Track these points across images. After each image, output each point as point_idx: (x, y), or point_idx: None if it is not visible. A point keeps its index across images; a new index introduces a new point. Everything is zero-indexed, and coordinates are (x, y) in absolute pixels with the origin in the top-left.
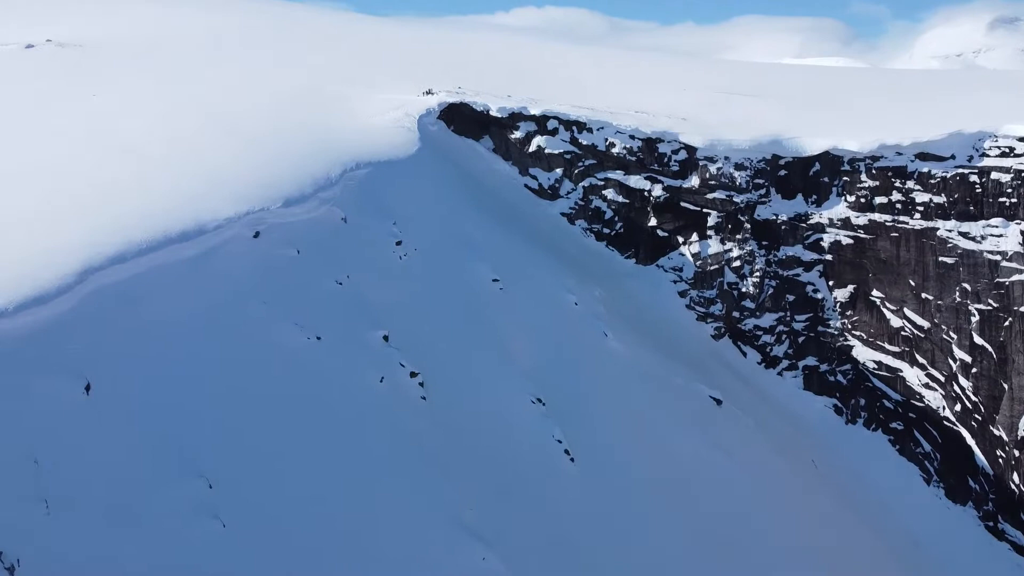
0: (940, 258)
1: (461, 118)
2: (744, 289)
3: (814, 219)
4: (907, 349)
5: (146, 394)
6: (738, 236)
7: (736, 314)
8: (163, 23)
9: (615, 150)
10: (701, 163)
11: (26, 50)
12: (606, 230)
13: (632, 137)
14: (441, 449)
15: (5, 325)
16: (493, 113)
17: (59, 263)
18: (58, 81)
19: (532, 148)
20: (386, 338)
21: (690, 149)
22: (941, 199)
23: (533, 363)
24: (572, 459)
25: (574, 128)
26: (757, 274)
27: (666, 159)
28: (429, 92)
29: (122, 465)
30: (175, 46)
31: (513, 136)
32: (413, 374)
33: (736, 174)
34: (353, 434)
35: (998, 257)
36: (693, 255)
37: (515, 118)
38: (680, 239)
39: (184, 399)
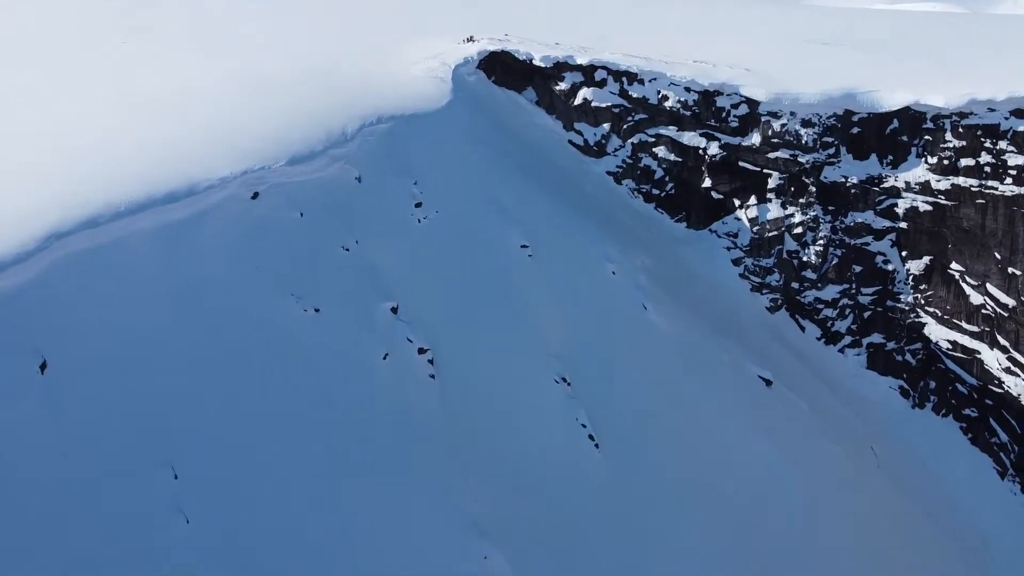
0: None
1: (503, 68)
2: (806, 258)
3: (889, 182)
4: (987, 329)
5: (110, 374)
6: (801, 200)
7: (795, 285)
8: None
9: (668, 103)
10: (764, 119)
11: None
12: (656, 191)
13: (688, 90)
14: (448, 433)
15: None
16: (536, 62)
17: (21, 227)
18: (96, 27)
19: (578, 101)
20: (395, 310)
21: (752, 103)
22: None
23: (560, 339)
24: (597, 445)
25: (624, 79)
26: (821, 242)
27: (725, 114)
28: (470, 39)
29: (78, 453)
30: None
31: (558, 88)
32: (422, 350)
33: (802, 131)
34: (349, 416)
35: None
36: (750, 220)
37: (560, 68)
38: (737, 202)
39: (154, 379)
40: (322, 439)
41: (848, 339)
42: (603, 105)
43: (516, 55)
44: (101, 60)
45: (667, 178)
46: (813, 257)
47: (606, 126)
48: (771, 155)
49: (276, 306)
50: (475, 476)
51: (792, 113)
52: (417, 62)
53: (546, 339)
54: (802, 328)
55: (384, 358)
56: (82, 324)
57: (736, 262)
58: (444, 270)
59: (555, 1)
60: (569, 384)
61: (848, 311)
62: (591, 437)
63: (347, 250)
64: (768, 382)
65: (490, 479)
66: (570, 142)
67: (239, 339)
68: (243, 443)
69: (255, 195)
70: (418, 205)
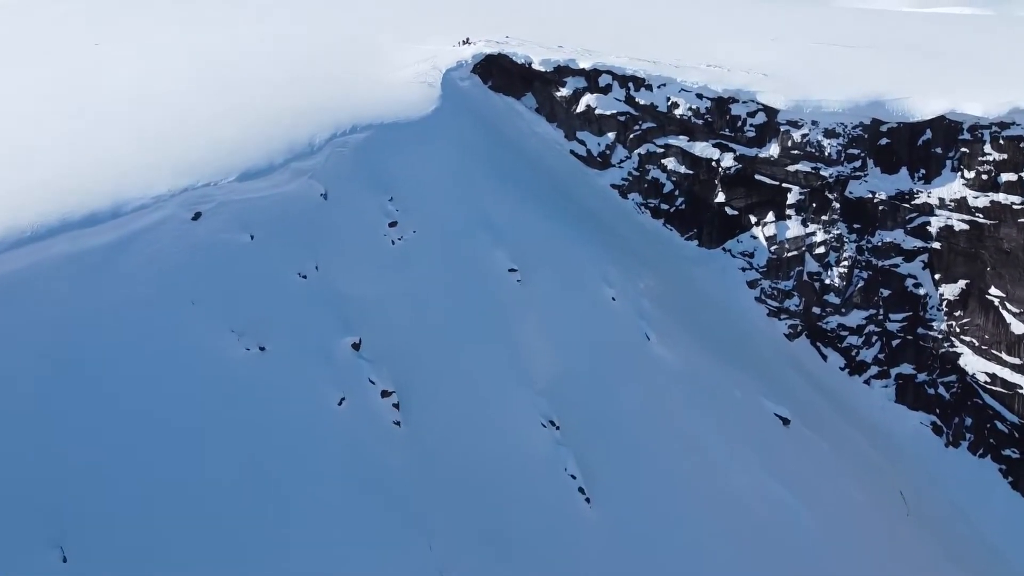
0: None
1: (500, 72)
2: (828, 281)
3: (920, 199)
4: None
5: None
6: (824, 217)
7: (817, 310)
8: None
9: (678, 111)
10: (783, 128)
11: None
12: (664, 206)
13: (700, 96)
14: (414, 492)
15: None
16: (536, 66)
17: None
18: (73, 27)
19: (580, 108)
20: (356, 346)
21: (770, 111)
22: None
23: (549, 375)
24: (588, 500)
25: (630, 85)
26: (845, 263)
27: (740, 123)
28: (466, 42)
29: None
30: None
31: (559, 94)
32: (386, 393)
33: (825, 142)
34: (292, 475)
35: None
36: (768, 238)
37: (561, 72)
38: (753, 219)
39: (46, 444)
40: (257, 503)
41: (875, 370)
42: (608, 113)
43: (514, 58)
44: (64, 63)
45: (677, 192)
46: (837, 280)
47: (611, 135)
48: (791, 168)
49: (214, 343)
50: (445, 543)
51: (814, 122)
52: (406, 66)
53: (533, 376)
54: (824, 357)
55: (340, 403)
56: None
57: (752, 284)
58: (418, 299)
59: (560, 1)
60: (558, 428)
61: (875, 339)
62: (581, 490)
63: (304, 277)
64: (785, 421)
65: (463, 547)
66: (572, 152)
67: (158, 388)
68: (160, 516)
69: (196, 215)
70: (392, 224)
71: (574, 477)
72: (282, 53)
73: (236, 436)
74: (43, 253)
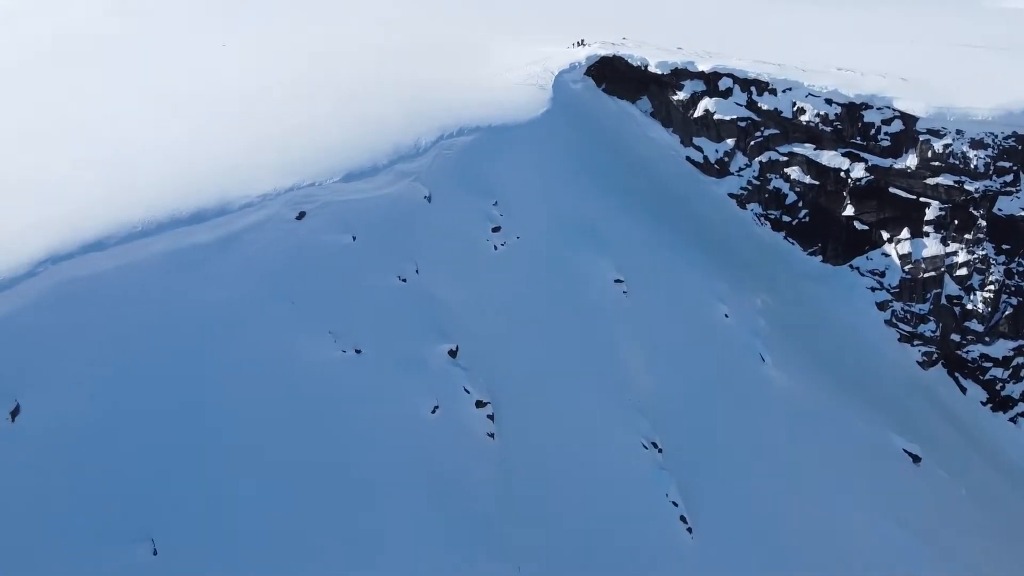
0: None
1: (614, 74)
2: (971, 306)
3: None
4: None
5: (92, 430)
6: (967, 235)
7: (956, 337)
8: None
9: (805, 117)
10: (922, 138)
11: None
12: (786, 218)
13: (829, 102)
14: (506, 507)
15: None
16: (652, 69)
17: (13, 247)
18: (206, 28)
19: (698, 112)
20: (453, 353)
21: (908, 119)
22: None
23: (653, 394)
24: (690, 530)
25: (753, 89)
26: (991, 287)
27: (873, 131)
28: (581, 43)
29: (43, 518)
30: None
31: (675, 97)
32: (481, 403)
33: (971, 154)
34: (385, 483)
35: None
36: (901, 256)
37: (679, 75)
38: (885, 235)
39: (145, 438)
40: (343, 511)
41: (1023, 407)
42: (727, 118)
43: (629, 60)
44: (191, 64)
45: (800, 203)
46: (980, 305)
47: (730, 142)
48: (930, 181)
49: (310, 345)
50: (533, 566)
51: (958, 132)
52: (517, 67)
53: (636, 394)
54: (963, 390)
55: (433, 411)
56: (68, 367)
57: (882, 306)
58: (518, 307)
59: (682, 2)
60: (660, 451)
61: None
62: (683, 519)
63: (403, 281)
64: (916, 458)
65: (553, 572)
66: (687, 159)
67: (255, 386)
68: (247, 513)
69: (300, 215)
70: (495, 229)
71: (676, 504)
72: (392, 54)
73: (326, 439)
74: (148, 249)
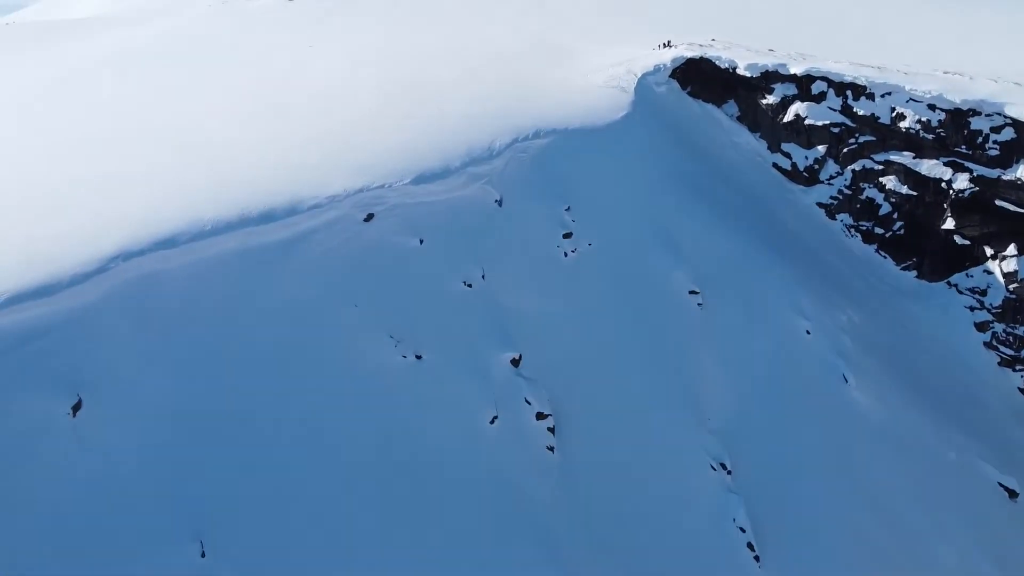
0: None
1: (700, 77)
2: None
3: None
4: None
5: (153, 423)
6: None
7: None
8: None
9: (904, 124)
10: None
11: (289, 3)
12: (879, 230)
13: (932, 107)
14: (565, 524)
15: None
16: (740, 71)
17: (86, 241)
18: (295, 28)
19: (788, 117)
20: (516, 362)
21: (1021, 127)
22: None
23: (725, 412)
24: (758, 559)
25: (848, 93)
26: None
27: (981, 139)
28: (667, 44)
29: (98, 513)
30: None
31: (764, 101)
32: (542, 415)
33: None
34: (439, 493)
35: None
36: (1006, 275)
37: (769, 78)
38: (988, 251)
39: (204, 430)
40: (394, 516)
41: None
42: (820, 123)
43: (717, 63)
44: (276, 63)
45: (896, 215)
46: None
47: (821, 148)
48: None
49: (372, 348)
50: None
51: None
52: (599, 69)
53: (706, 412)
54: None
55: (492, 422)
56: (131, 365)
57: (982, 327)
58: (586, 317)
59: (777, 2)
60: (729, 472)
61: None
62: (751, 546)
63: (469, 286)
64: (1012, 493)
65: None
66: (775, 165)
67: (317, 389)
68: (295, 519)
69: (369, 217)
70: (567, 236)
71: (743, 530)
72: (471, 54)
73: (382, 445)
74: (216, 247)
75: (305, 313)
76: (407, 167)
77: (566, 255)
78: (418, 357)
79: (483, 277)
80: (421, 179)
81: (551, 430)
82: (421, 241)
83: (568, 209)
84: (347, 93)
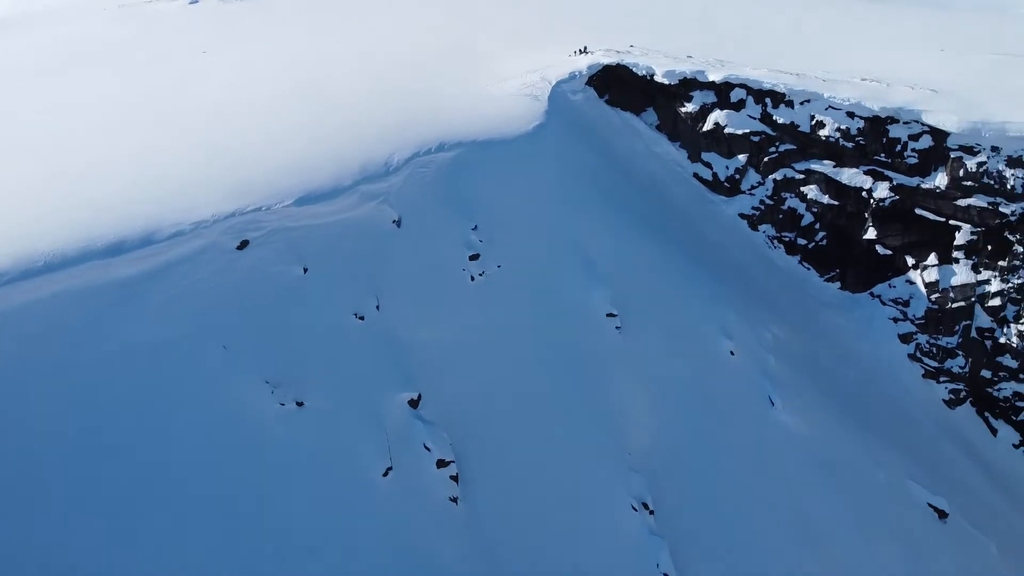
0: None
1: (619, 85)
2: (1004, 339)
3: None
4: None
5: None
6: (1002, 263)
7: (987, 374)
8: None
9: (824, 132)
10: (954, 155)
11: (190, 5)
12: (801, 240)
13: (851, 115)
14: None
15: None
16: (659, 78)
17: None
18: (195, 33)
19: (708, 126)
20: (414, 403)
21: (939, 134)
22: None
23: (648, 445)
24: None
25: (768, 100)
26: None
27: (900, 147)
28: (583, 51)
29: None
30: None
31: (684, 110)
32: (443, 463)
33: (1008, 173)
34: (328, 570)
35: None
36: (928, 285)
37: (688, 85)
38: (910, 260)
39: (52, 479)
40: None
41: None
42: (739, 132)
43: (635, 69)
44: (165, 70)
45: (818, 225)
46: (1015, 339)
47: (742, 158)
48: (962, 202)
49: (242, 398)
50: None
51: (994, 148)
52: (512, 76)
53: (628, 444)
54: (993, 431)
55: (385, 474)
56: None
57: (905, 339)
58: (495, 347)
59: (696, 8)
60: (652, 513)
61: None
62: None
63: (361, 319)
64: (942, 514)
65: None
66: (695, 175)
67: (173, 447)
68: None
69: (243, 244)
70: (474, 258)
71: None
72: (380, 60)
73: (254, 513)
74: (55, 286)
75: (161, 358)
76: (291, 186)
77: (473, 279)
78: (299, 404)
79: (377, 308)
80: (307, 199)
81: (454, 478)
82: (305, 270)
83: (475, 228)
84: (237, 103)
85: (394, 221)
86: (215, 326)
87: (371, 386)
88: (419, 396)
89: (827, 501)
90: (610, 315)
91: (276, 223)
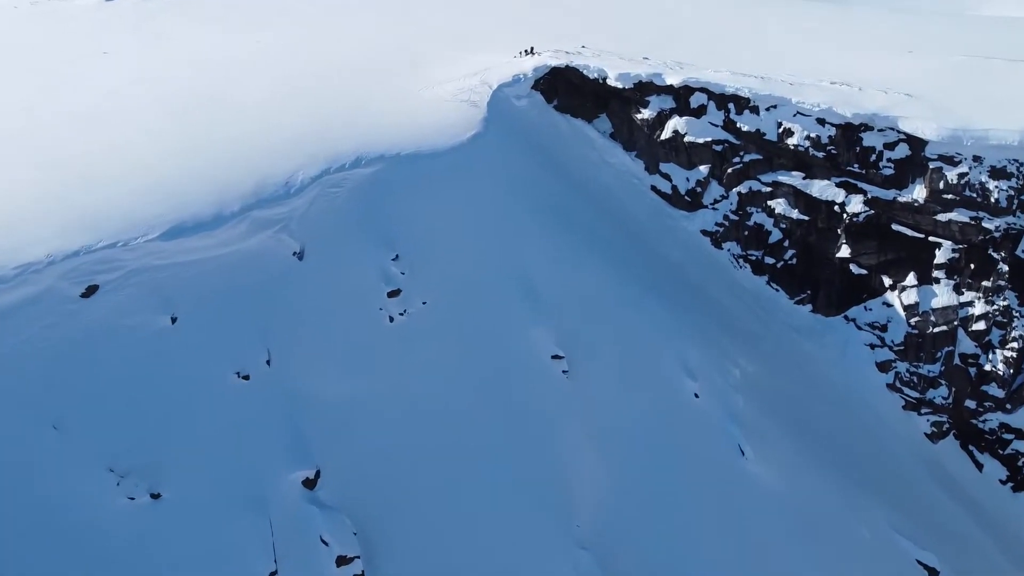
0: None
1: (568, 89)
2: (989, 367)
3: None
4: None
5: None
6: (986, 283)
7: (971, 404)
8: None
9: (792, 140)
10: (933, 165)
11: (107, 3)
12: (769, 259)
13: (822, 122)
14: None
15: None
16: (612, 82)
17: None
18: (90, 38)
19: (666, 134)
20: (310, 484)
21: (916, 143)
22: None
23: (599, 516)
24: None
25: (731, 106)
26: (1014, 344)
27: (874, 157)
28: (529, 52)
29: None
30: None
31: (640, 116)
32: (344, 560)
33: (991, 185)
34: None
35: None
36: (907, 307)
37: (644, 89)
38: (887, 280)
39: None
40: None
41: None
42: (701, 140)
43: (585, 72)
44: (55, 72)
45: (787, 242)
46: (1001, 366)
47: (704, 169)
48: (942, 217)
49: (80, 490)
50: None
51: (976, 158)
52: (449, 80)
53: (575, 518)
54: (979, 466)
55: None
56: None
57: (883, 367)
58: (416, 404)
59: (653, 8)
60: None
61: None
62: None
63: (245, 379)
64: (933, 572)
65: None
66: (653, 188)
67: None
68: None
69: (90, 290)
70: (394, 294)
71: None
72: (295, 64)
73: None
74: None
75: None
76: (158, 215)
77: (391, 319)
78: (154, 496)
79: (268, 363)
80: (178, 231)
81: None
82: (174, 319)
83: (396, 258)
84: (116, 112)
85: (295, 253)
86: (45, 400)
87: (254, 465)
88: (317, 473)
89: (804, 563)
90: (556, 357)
91: (136, 262)
